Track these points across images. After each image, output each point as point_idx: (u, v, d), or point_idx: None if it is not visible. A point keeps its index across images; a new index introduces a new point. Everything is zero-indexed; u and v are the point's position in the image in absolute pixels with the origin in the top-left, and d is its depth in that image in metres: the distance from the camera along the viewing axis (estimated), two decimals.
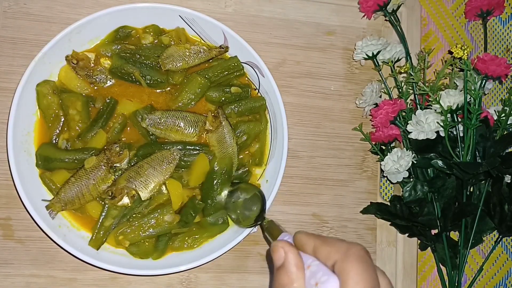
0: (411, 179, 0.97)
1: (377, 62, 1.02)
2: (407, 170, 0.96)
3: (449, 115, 0.93)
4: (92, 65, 0.90)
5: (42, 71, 0.87)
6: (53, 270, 0.89)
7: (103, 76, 0.91)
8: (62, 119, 0.88)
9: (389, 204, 1.00)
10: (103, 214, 0.86)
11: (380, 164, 0.99)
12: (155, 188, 0.87)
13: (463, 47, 0.90)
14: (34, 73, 0.85)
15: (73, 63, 0.89)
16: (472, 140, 0.92)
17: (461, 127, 0.94)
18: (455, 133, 0.94)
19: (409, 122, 0.94)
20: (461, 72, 0.96)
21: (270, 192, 0.89)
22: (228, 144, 0.90)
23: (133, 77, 0.91)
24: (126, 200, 0.86)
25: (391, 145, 0.99)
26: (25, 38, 0.92)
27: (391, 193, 1.07)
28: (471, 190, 0.98)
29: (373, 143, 1.00)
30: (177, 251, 0.89)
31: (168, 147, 0.89)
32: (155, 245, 0.88)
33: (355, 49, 1.02)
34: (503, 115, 0.97)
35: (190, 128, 0.90)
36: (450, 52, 1.05)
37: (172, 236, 0.89)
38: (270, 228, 0.72)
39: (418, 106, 0.98)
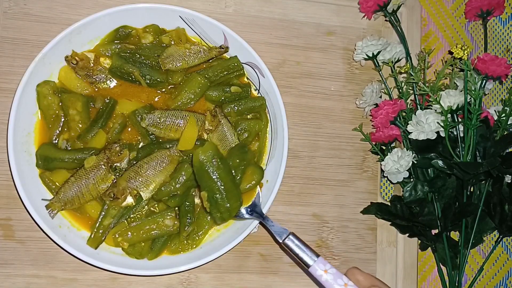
0: (412, 179, 0.97)
1: (377, 63, 1.02)
2: (407, 170, 0.96)
3: (449, 115, 0.93)
4: (92, 65, 0.90)
5: (42, 72, 0.87)
6: (53, 270, 0.89)
7: (103, 76, 0.91)
8: (62, 120, 0.89)
9: (389, 204, 1.00)
10: (103, 213, 0.86)
11: (381, 164, 0.99)
12: (155, 188, 0.87)
13: (463, 47, 0.90)
14: (34, 74, 0.86)
15: (73, 63, 0.89)
16: (473, 140, 0.92)
17: (461, 127, 0.94)
18: (455, 133, 0.94)
19: (409, 122, 0.94)
20: (461, 72, 0.96)
21: (270, 192, 0.89)
22: (230, 141, 0.90)
23: (133, 77, 0.91)
24: (130, 200, 0.86)
25: (391, 145, 0.99)
26: (25, 39, 0.93)
27: (391, 193, 1.07)
28: (472, 190, 0.98)
29: (373, 143, 1.00)
30: (177, 253, 0.89)
31: (168, 146, 0.89)
32: (151, 246, 0.88)
33: (355, 49, 1.02)
34: (503, 115, 0.97)
35: None
36: (450, 52, 1.05)
37: (170, 237, 0.89)
38: (293, 245, 0.77)
39: (418, 106, 0.98)
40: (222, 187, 0.80)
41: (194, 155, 0.80)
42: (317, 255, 0.76)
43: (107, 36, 0.92)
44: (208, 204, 0.81)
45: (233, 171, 0.84)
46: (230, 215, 0.82)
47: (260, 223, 0.86)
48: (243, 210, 0.87)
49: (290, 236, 0.78)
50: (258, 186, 0.90)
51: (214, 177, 0.79)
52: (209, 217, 0.90)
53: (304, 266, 0.76)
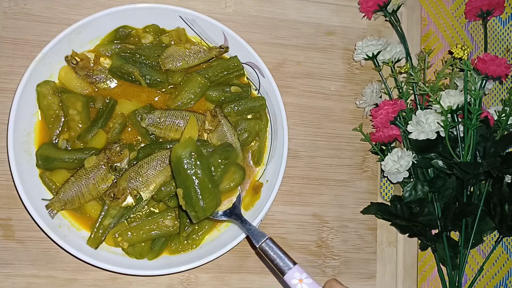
0: (412, 179, 0.97)
1: (377, 62, 1.02)
2: (407, 170, 0.96)
3: (449, 115, 0.93)
4: (92, 65, 0.90)
5: (42, 72, 0.87)
6: (53, 270, 0.89)
7: (103, 76, 0.91)
8: (62, 120, 0.89)
9: (389, 204, 1.00)
10: (103, 213, 0.86)
11: (381, 164, 0.99)
12: (156, 188, 0.87)
13: (463, 47, 0.90)
14: (34, 74, 0.86)
15: (73, 63, 0.89)
16: (473, 140, 0.92)
17: (461, 127, 0.94)
18: (455, 133, 0.94)
19: (409, 122, 0.94)
20: (461, 72, 0.96)
21: (270, 192, 0.89)
22: (230, 141, 0.90)
23: (133, 77, 0.91)
24: (130, 200, 0.86)
25: (391, 145, 0.99)
26: (25, 39, 0.93)
27: (391, 193, 1.07)
28: (472, 190, 0.98)
29: (373, 143, 1.00)
30: (177, 253, 0.90)
31: (168, 147, 0.89)
32: (151, 246, 0.89)
33: (355, 49, 1.02)
34: (503, 115, 0.97)
35: None
36: (450, 52, 1.05)
37: (170, 237, 0.89)
38: (270, 250, 0.74)
39: (418, 106, 0.98)
40: (198, 185, 0.77)
41: (172, 150, 0.77)
42: (294, 263, 0.72)
43: (107, 36, 0.92)
44: (184, 201, 0.78)
45: (213, 170, 0.81)
46: (205, 214, 0.79)
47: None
48: (220, 211, 0.84)
49: (268, 241, 0.75)
50: (239, 187, 0.86)
51: (190, 174, 0.76)
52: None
53: (279, 273, 0.73)
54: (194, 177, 0.76)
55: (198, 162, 0.77)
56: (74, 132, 0.88)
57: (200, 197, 0.77)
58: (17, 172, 0.82)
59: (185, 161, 0.76)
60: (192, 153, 0.76)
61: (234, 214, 0.83)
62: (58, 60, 0.89)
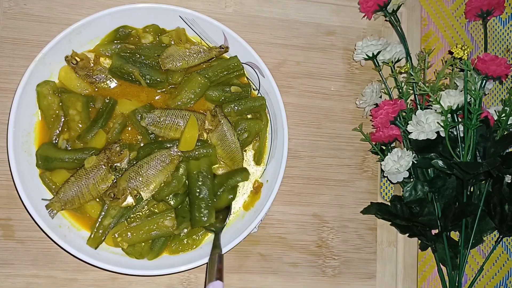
0: (412, 179, 0.97)
1: (377, 62, 1.02)
2: (407, 170, 0.96)
3: (449, 115, 0.93)
4: (92, 65, 0.90)
5: (42, 72, 0.87)
6: (53, 270, 0.89)
7: (103, 76, 0.91)
8: (62, 120, 0.89)
9: (389, 204, 1.00)
10: (103, 213, 0.86)
11: (381, 164, 0.99)
12: (156, 188, 0.87)
13: (463, 47, 0.90)
14: (34, 74, 0.86)
15: (73, 63, 0.89)
16: (473, 140, 0.92)
17: (461, 127, 0.94)
18: (455, 133, 0.94)
19: (409, 122, 0.94)
20: (461, 72, 0.96)
21: (270, 192, 0.89)
22: (230, 141, 0.90)
23: (133, 77, 0.91)
24: (130, 200, 0.86)
25: (391, 145, 0.99)
26: (25, 39, 0.93)
27: (391, 193, 1.07)
28: (472, 190, 0.98)
29: (373, 143, 1.00)
30: (177, 253, 0.90)
31: (168, 146, 0.89)
32: (151, 246, 0.89)
33: (355, 49, 1.02)
34: (503, 115, 0.97)
35: None
36: (450, 52, 1.05)
37: (170, 237, 0.89)
38: (212, 263, 0.81)
39: (418, 106, 0.98)
40: (198, 199, 0.87)
41: (188, 167, 0.89)
42: (218, 279, 0.77)
43: (107, 36, 0.92)
44: (189, 208, 0.89)
45: (215, 186, 0.91)
46: (195, 224, 0.88)
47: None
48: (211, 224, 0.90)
49: (216, 255, 0.82)
50: (232, 206, 0.93)
51: (195, 190, 0.88)
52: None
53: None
54: (198, 192, 0.88)
55: (203, 181, 0.89)
56: (74, 132, 0.88)
57: (196, 209, 0.87)
58: (17, 172, 0.82)
59: (193, 180, 0.88)
60: (199, 174, 0.88)
61: (216, 228, 0.90)
62: (58, 60, 0.89)
